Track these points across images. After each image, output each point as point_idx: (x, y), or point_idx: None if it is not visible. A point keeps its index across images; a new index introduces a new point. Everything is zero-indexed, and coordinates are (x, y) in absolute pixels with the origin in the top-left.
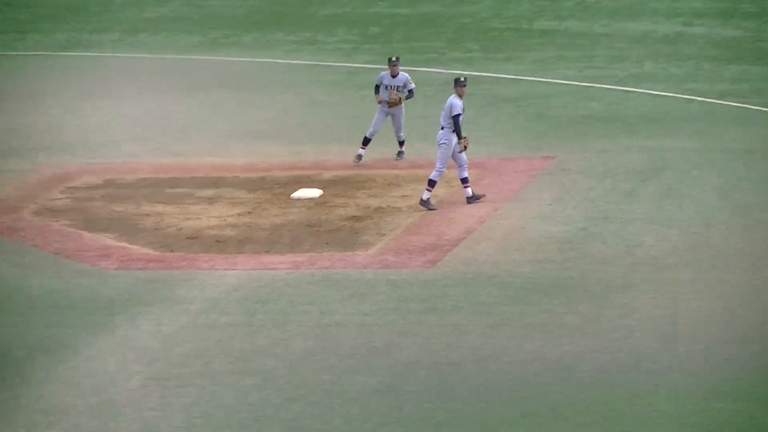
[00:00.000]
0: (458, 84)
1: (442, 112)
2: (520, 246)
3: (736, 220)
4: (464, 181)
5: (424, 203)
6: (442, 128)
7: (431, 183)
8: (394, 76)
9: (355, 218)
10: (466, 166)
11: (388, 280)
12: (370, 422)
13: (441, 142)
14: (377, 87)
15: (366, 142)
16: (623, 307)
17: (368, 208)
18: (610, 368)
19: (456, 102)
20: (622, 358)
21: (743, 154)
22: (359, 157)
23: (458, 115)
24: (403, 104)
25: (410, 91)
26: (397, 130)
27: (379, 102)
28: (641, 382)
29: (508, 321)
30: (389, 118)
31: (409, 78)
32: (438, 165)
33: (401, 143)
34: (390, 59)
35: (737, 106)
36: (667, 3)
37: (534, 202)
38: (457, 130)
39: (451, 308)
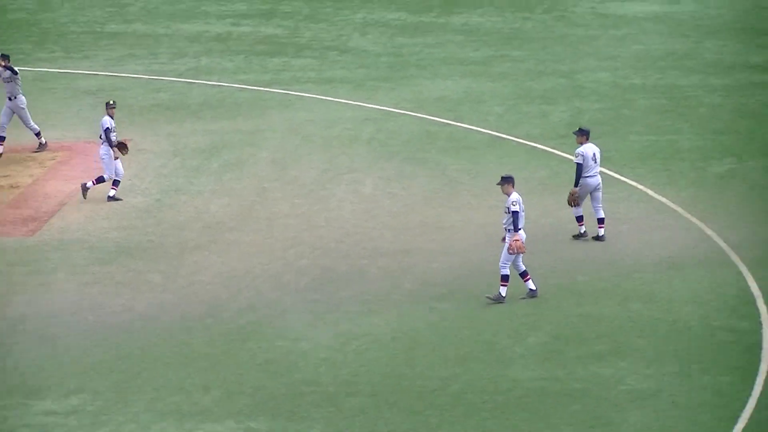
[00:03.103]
0: (108, 107)
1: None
2: (107, 215)
3: (286, 188)
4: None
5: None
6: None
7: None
8: None
9: None
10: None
11: None
12: None
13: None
14: None
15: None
16: (196, 265)
17: None
18: (188, 317)
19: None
20: (199, 308)
21: (288, 133)
22: None
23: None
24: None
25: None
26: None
27: None
28: (215, 327)
29: (101, 279)
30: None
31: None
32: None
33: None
34: None
35: (281, 93)
36: (217, 6)
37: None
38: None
39: (50, 270)
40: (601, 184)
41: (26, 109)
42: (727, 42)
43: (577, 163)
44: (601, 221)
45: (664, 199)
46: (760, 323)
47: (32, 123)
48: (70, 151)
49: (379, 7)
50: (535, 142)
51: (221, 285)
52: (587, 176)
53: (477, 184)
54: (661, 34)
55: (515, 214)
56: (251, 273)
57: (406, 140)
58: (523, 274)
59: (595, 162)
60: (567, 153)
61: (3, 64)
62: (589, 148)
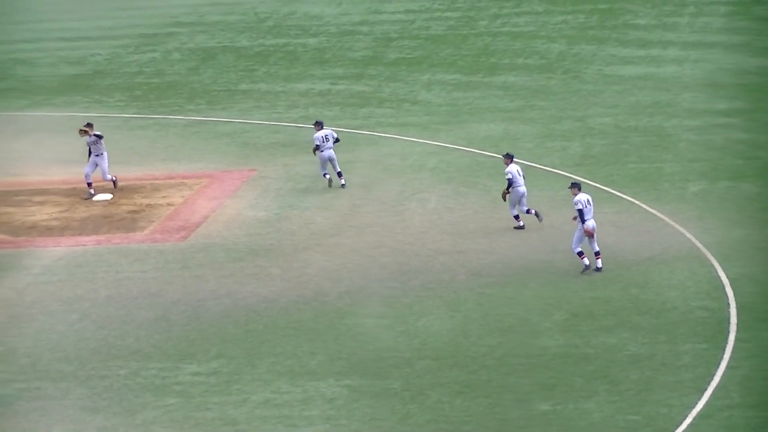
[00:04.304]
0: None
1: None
2: (239, 225)
3: (372, 204)
4: None
5: None
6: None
7: None
8: None
9: (134, 211)
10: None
11: (157, 249)
12: (151, 340)
13: None
14: None
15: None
16: (305, 261)
17: (142, 204)
18: (299, 300)
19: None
20: (307, 293)
21: (372, 163)
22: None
23: None
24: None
25: None
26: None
27: None
28: (319, 308)
29: (234, 272)
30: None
31: None
32: None
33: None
34: None
35: (367, 134)
36: (320, 71)
37: (246, 198)
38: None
39: (197, 266)
40: (526, 192)
41: (106, 164)
42: (698, 94)
43: (508, 179)
44: (528, 212)
45: (653, 211)
46: (728, 304)
47: (108, 176)
48: (211, 178)
49: (440, 71)
50: (556, 169)
51: (324, 276)
52: (517, 187)
53: None
54: (650, 89)
55: (579, 211)
56: (346, 267)
57: (460, 168)
58: (597, 254)
59: (520, 176)
60: (580, 177)
61: (90, 132)
62: (514, 167)
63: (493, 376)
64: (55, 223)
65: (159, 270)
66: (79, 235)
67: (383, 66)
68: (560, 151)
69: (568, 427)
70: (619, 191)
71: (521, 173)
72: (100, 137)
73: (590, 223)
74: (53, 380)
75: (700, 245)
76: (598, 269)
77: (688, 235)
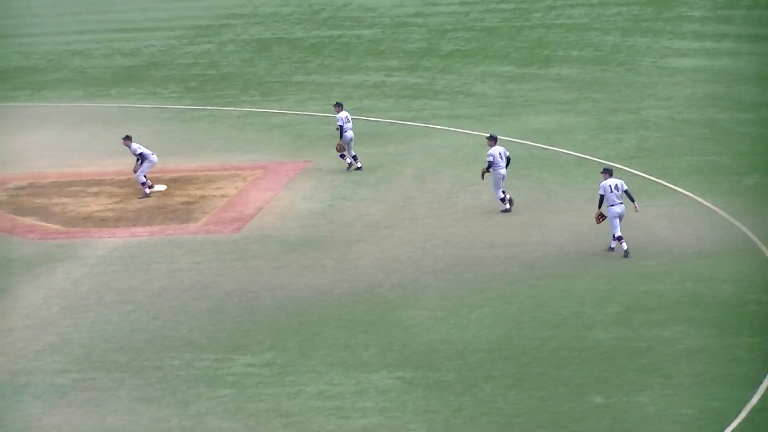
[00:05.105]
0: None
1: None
2: (292, 217)
3: (425, 197)
4: None
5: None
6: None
7: None
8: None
9: (188, 203)
10: None
11: (210, 240)
12: (205, 331)
13: None
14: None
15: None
16: (358, 253)
17: (196, 196)
18: (352, 292)
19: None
20: (360, 285)
21: (426, 155)
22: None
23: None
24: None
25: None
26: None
27: None
28: (372, 300)
29: (288, 264)
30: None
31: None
32: None
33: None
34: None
35: (421, 126)
36: (374, 63)
37: (299, 189)
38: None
39: (251, 257)
40: (505, 175)
41: (146, 166)
42: (750, 86)
43: (489, 161)
44: (503, 198)
45: (707, 204)
46: None
47: (142, 178)
48: (265, 169)
49: (495, 63)
50: (611, 162)
51: (377, 268)
52: (498, 169)
53: (567, 193)
54: (704, 81)
55: (601, 196)
56: (399, 259)
57: (514, 160)
58: (619, 238)
59: (502, 159)
60: (635, 169)
61: (126, 144)
62: (497, 150)
63: (546, 368)
64: (109, 214)
65: (213, 261)
66: (134, 226)
67: (437, 58)
68: (615, 143)
69: (621, 421)
70: (673, 184)
71: (504, 156)
72: (141, 154)
73: (616, 209)
74: (107, 371)
75: (754, 238)
76: (610, 249)
77: (742, 227)
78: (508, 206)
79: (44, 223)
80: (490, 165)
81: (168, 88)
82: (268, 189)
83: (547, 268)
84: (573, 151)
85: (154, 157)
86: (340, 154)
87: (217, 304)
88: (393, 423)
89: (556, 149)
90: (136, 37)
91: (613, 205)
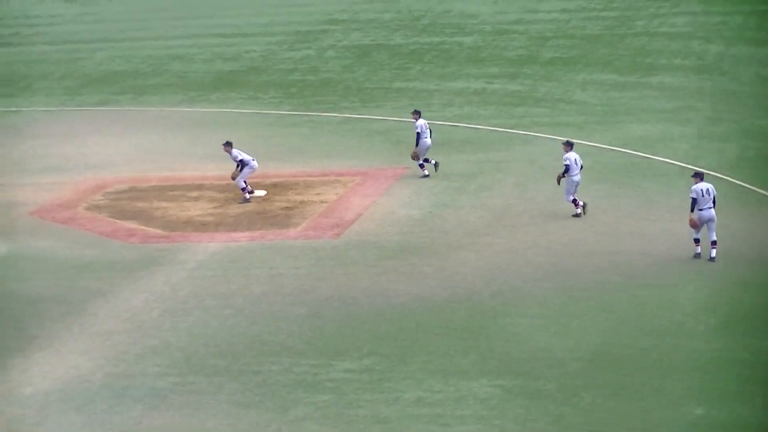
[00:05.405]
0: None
1: None
2: (392, 223)
3: (526, 204)
4: None
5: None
6: None
7: None
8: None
9: (287, 208)
10: None
11: (310, 246)
12: (304, 336)
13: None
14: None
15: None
16: (458, 260)
17: (296, 201)
18: (452, 299)
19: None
20: (460, 293)
21: (527, 163)
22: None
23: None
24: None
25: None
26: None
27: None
28: (472, 307)
29: (387, 270)
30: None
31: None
32: None
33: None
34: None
35: (522, 133)
36: (476, 69)
37: (399, 196)
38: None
39: (350, 263)
40: (580, 181)
41: (247, 172)
42: None
43: (566, 165)
44: (574, 202)
45: None
46: None
47: (243, 182)
48: (365, 175)
49: (596, 70)
50: (713, 171)
51: (477, 276)
52: (573, 175)
53: (669, 202)
54: None
55: (693, 200)
56: (500, 267)
57: (615, 169)
58: (696, 240)
59: (578, 165)
60: (736, 179)
61: (227, 150)
62: (572, 155)
63: (647, 378)
64: (209, 218)
65: (312, 267)
66: (233, 231)
67: (539, 65)
68: (717, 153)
69: None
70: None
71: (579, 163)
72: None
73: (706, 213)
74: (206, 375)
75: None
76: (711, 259)
77: None
78: (579, 211)
79: (145, 227)
80: (567, 169)
81: (268, 93)
82: (367, 195)
83: (648, 276)
84: (674, 161)
85: (254, 163)
86: (417, 162)
87: (316, 309)
88: (493, 431)
89: (658, 158)
90: (238, 42)
91: (702, 209)
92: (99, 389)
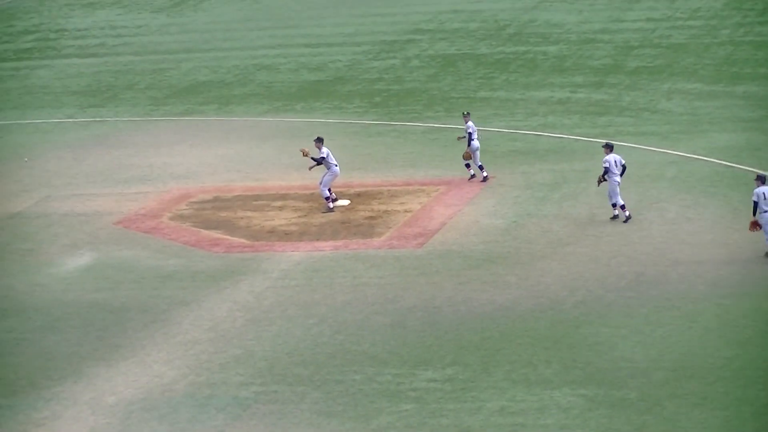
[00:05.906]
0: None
1: None
2: (476, 233)
3: (609, 214)
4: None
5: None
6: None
7: None
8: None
9: (371, 218)
10: None
11: (393, 256)
12: (387, 346)
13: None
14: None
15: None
16: (541, 270)
17: (379, 211)
18: (535, 308)
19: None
20: (543, 302)
21: None
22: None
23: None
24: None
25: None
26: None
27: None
28: (556, 316)
29: (470, 280)
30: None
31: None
32: None
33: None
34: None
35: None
36: (560, 79)
37: (483, 205)
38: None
39: (433, 272)
40: (620, 181)
41: (328, 178)
42: None
43: (605, 167)
44: (614, 206)
45: None
46: None
47: (327, 191)
48: (449, 185)
49: (681, 80)
50: None
51: (560, 285)
52: (613, 177)
53: None
54: None
55: (755, 203)
56: (583, 276)
57: (700, 178)
58: None
59: (617, 166)
60: None
61: (318, 146)
62: (612, 157)
63: (731, 388)
64: (293, 228)
65: (396, 276)
66: (317, 240)
67: (623, 74)
68: None
69: None
70: None
71: (620, 164)
72: (322, 160)
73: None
74: (290, 384)
75: None
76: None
77: None
78: (617, 213)
79: (229, 237)
80: (606, 171)
81: (353, 103)
82: (451, 204)
83: (733, 286)
84: (759, 170)
85: (336, 169)
86: (465, 162)
87: (399, 318)
88: None
89: (742, 167)
90: (323, 52)
91: (765, 212)
92: (182, 398)
